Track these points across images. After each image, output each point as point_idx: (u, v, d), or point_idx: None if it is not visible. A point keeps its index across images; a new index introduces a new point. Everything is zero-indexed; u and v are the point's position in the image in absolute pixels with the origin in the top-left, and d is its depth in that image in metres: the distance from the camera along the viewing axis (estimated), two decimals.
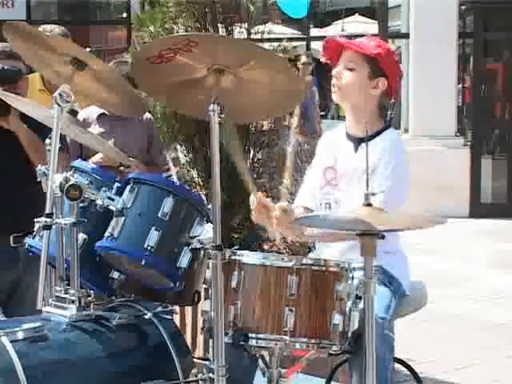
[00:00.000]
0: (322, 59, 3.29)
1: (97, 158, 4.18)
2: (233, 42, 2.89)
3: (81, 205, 2.89)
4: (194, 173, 5.71)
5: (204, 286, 2.68)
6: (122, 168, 4.10)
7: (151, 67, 2.61)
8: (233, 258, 2.62)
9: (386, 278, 3.04)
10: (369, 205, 2.48)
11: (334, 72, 3.17)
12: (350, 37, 3.55)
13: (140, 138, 4.48)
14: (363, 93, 3.13)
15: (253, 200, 3.03)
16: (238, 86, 2.63)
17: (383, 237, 2.89)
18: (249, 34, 5.55)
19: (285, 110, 3.05)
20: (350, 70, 3.12)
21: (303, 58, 9.14)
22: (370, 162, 2.99)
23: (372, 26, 12.19)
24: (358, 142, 3.13)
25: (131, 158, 4.18)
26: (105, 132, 4.29)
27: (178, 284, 2.90)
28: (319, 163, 3.26)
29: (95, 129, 4.31)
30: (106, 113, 4.32)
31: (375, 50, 3.12)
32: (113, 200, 2.94)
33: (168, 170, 5.17)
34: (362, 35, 3.49)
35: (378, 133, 3.14)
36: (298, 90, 2.67)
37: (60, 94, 2.92)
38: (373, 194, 2.50)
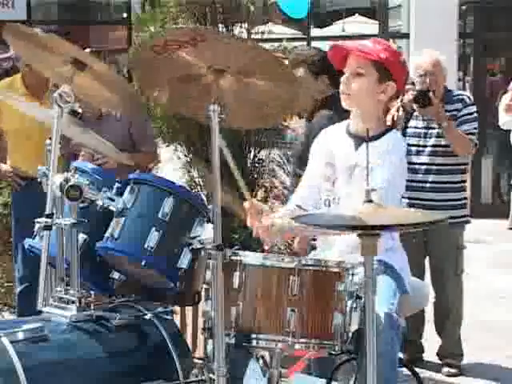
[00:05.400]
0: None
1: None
2: (237, 44, 2.86)
3: (81, 205, 2.89)
4: (194, 173, 5.72)
5: (205, 286, 2.67)
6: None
7: (152, 61, 2.57)
8: (234, 258, 2.61)
9: (387, 269, 3.03)
10: (370, 201, 2.47)
11: (342, 78, 3.12)
12: (351, 37, 3.54)
13: (118, 136, 4.25)
14: (371, 98, 3.10)
15: (246, 205, 3.01)
16: (237, 89, 2.61)
17: None
18: (249, 34, 5.56)
19: (283, 115, 3.03)
20: (359, 75, 3.08)
21: None
22: (370, 162, 3.01)
23: (372, 26, 12.14)
24: (359, 140, 3.10)
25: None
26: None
27: (177, 284, 2.90)
28: (321, 159, 3.23)
29: None
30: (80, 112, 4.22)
31: (383, 53, 3.06)
32: (113, 200, 2.94)
33: (159, 162, 5.11)
34: (363, 36, 3.48)
35: (381, 134, 3.14)
36: (298, 96, 2.66)
37: (60, 95, 2.92)
38: (373, 190, 2.48)
